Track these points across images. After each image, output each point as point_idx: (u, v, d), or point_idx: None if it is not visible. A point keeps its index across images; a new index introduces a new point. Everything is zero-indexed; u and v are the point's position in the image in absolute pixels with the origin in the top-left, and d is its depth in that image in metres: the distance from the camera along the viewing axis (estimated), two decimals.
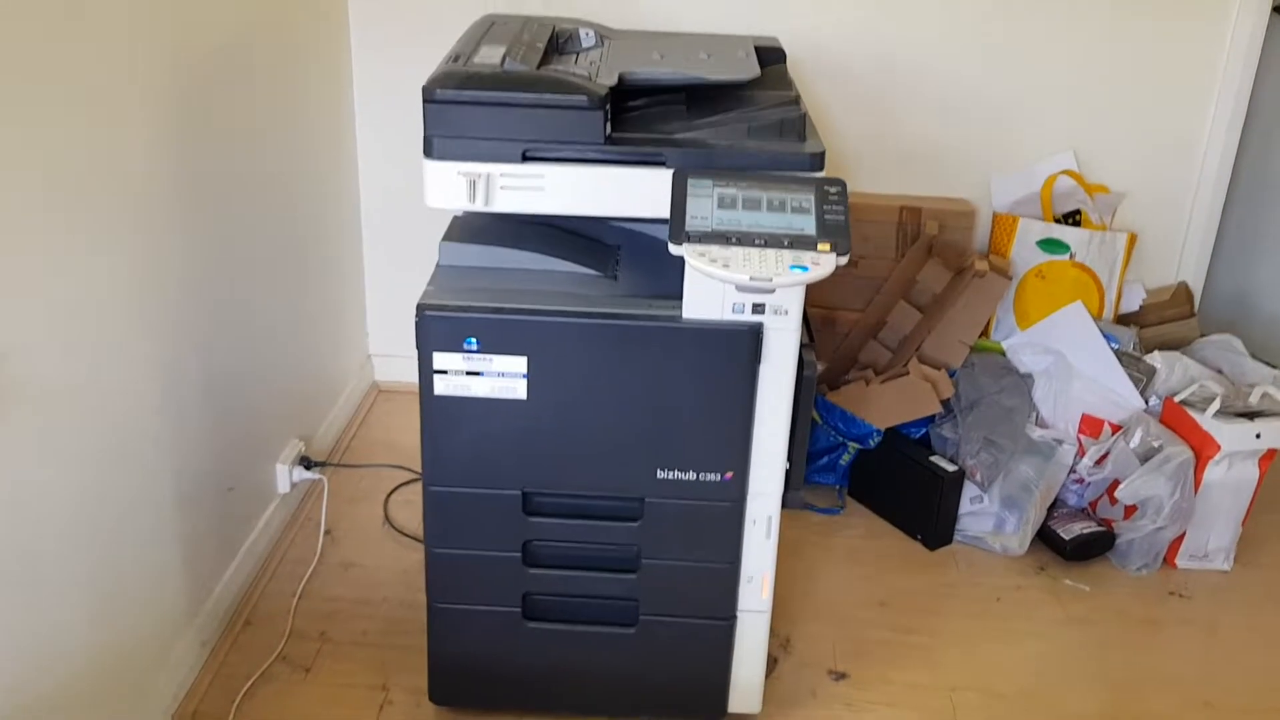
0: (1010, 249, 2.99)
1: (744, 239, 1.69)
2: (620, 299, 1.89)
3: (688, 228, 1.70)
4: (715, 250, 1.68)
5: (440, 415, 1.90)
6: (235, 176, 2.37)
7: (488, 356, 1.85)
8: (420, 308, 1.84)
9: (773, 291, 1.75)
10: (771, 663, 2.28)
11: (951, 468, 2.72)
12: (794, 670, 2.34)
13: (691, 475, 1.93)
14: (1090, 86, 3.00)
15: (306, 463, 2.76)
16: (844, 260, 1.70)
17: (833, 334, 3.03)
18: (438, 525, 2.00)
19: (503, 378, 1.86)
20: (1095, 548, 2.71)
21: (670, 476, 1.93)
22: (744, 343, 1.84)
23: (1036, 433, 2.77)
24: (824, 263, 1.67)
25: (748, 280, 1.64)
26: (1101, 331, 2.87)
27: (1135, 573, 2.69)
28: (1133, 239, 3.03)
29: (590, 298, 1.89)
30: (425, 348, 1.86)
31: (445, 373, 1.86)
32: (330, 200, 3.01)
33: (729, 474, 1.93)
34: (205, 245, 2.25)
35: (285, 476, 2.69)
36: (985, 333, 2.98)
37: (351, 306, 3.20)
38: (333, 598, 2.50)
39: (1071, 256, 2.96)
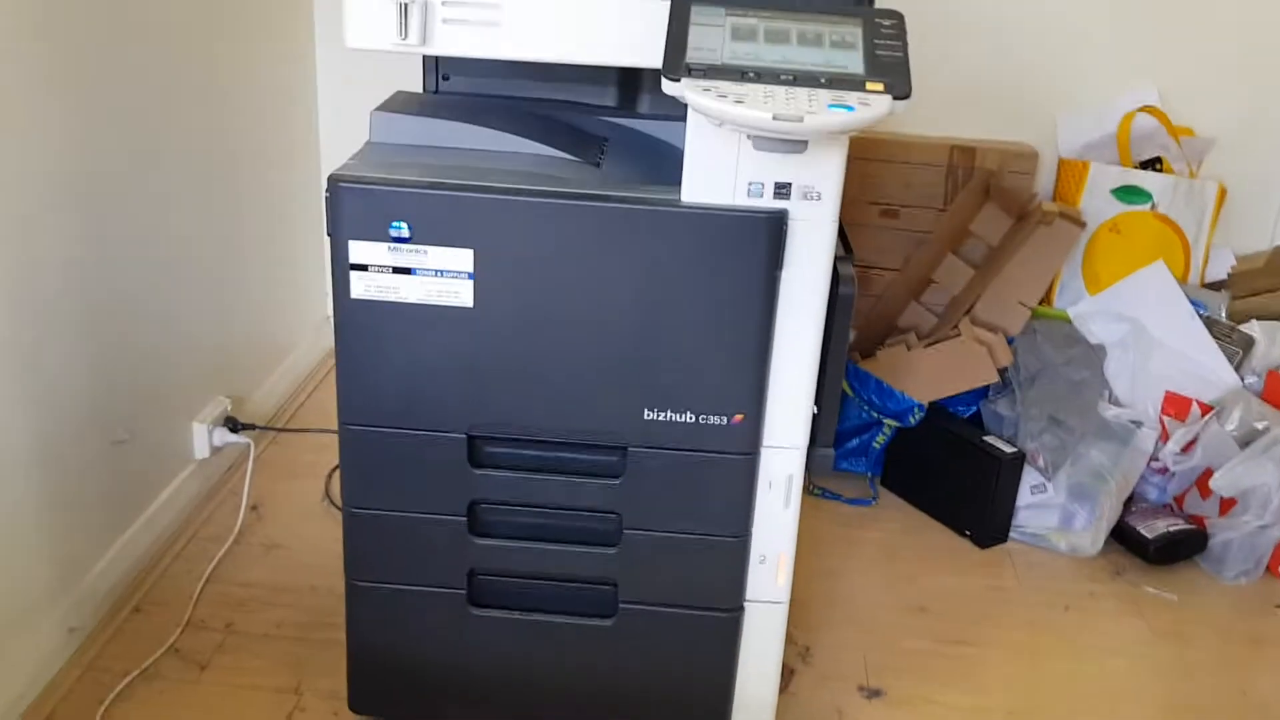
0: (1079, 199, 2.52)
1: (766, 75, 1.24)
2: (602, 185, 1.44)
3: (689, 59, 1.25)
4: (726, 85, 1.22)
5: (359, 327, 1.45)
6: (163, 79, 1.94)
7: (422, 248, 1.40)
8: (333, 180, 1.39)
9: (802, 150, 1.29)
10: (787, 674, 1.80)
11: (1010, 450, 2.24)
12: (815, 685, 1.86)
13: (689, 417, 1.47)
14: (1178, 9, 2.55)
15: (233, 424, 2.30)
16: (902, 105, 1.24)
17: (866, 296, 2.57)
18: (357, 477, 1.54)
19: (442, 278, 1.41)
20: (1184, 549, 2.23)
21: (661, 418, 1.47)
22: (761, 236, 1.38)
23: (1110, 412, 2.30)
24: (876, 104, 1.22)
25: (769, 119, 1.19)
26: (1187, 297, 2.41)
27: (1232, 580, 2.21)
28: (1223, 192, 2.56)
29: (563, 180, 1.44)
30: (339, 234, 1.41)
31: (365, 269, 1.41)
32: (286, 150, 2.58)
33: (738, 416, 1.47)
34: (102, 142, 1.82)
35: (204, 438, 2.23)
36: (1047, 298, 2.52)
37: (310, 262, 2.75)
38: (247, 582, 2.04)
39: (1153, 207, 2.50)
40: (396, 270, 1.41)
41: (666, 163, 1.56)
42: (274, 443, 2.48)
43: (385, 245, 1.40)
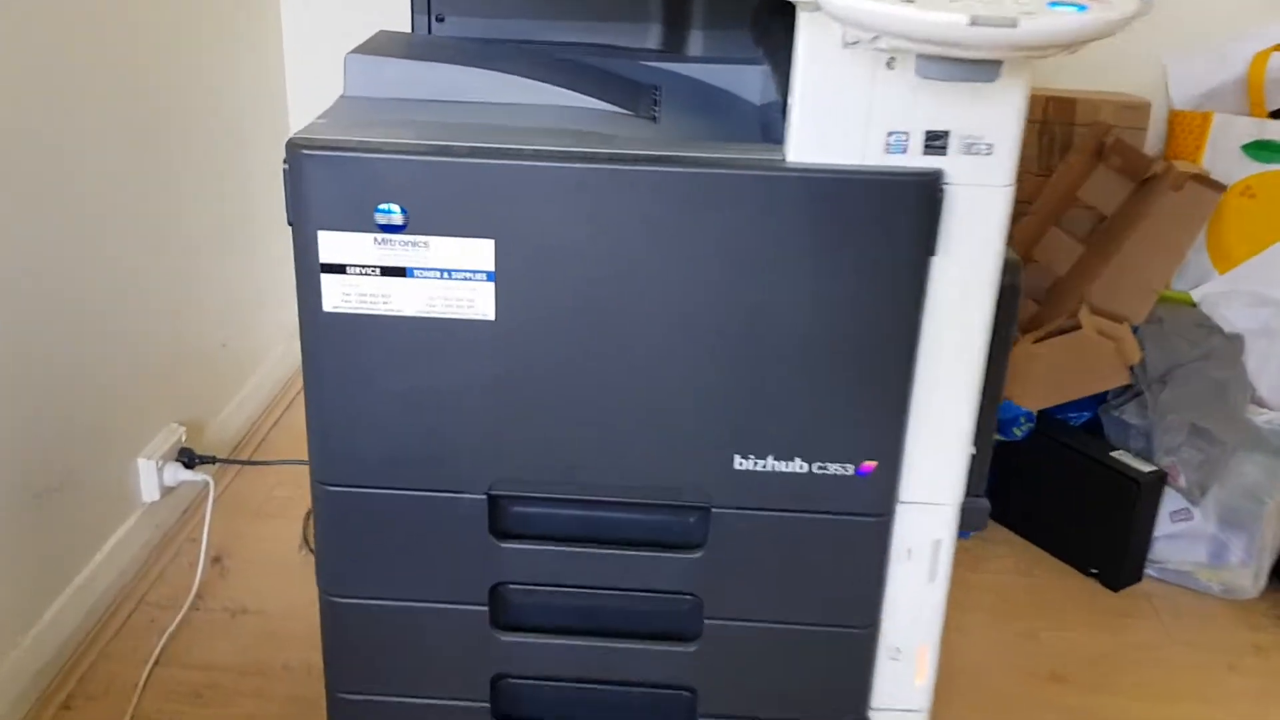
0: (1200, 157, 2.10)
1: None
2: (667, 144, 1.01)
3: None
4: None
5: (334, 352, 1.03)
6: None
7: (422, 239, 0.98)
8: (294, 147, 0.97)
9: (993, 76, 0.86)
10: None
11: (1148, 469, 1.83)
12: None
13: (798, 466, 1.05)
14: None
15: (188, 458, 1.88)
16: (1147, 7, 0.82)
17: None
18: (338, 555, 1.12)
19: (451, 280, 0.99)
20: None
21: (759, 467, 1.05)
22: (907, 208, 0.96)
23: (1263, 417, 1.88)
24: (1119, 2, 0.79)
25: (964, 26, 0.76)
26: None
27: None
28: None
29: (614, 140, 1.02)
30: (303, 222, 0.98)
31: (342, 270, 0.99)
32: (247, 116, 2.15)
33: (868, 464, 1.05)
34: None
35: (152, 477, 1.80)
36: None
37: (279, 258, 2.30)
38: (207, 663, 1.62)
39: None
40: (386, 271, 0.99)
41: (735, 116, 1.15)
42: (240, 477, 2.05)
43: (370, 237, 0.98)
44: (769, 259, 0.98)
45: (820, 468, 1.05)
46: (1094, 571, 1.88)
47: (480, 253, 0.98)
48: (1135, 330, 1.94)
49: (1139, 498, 1.81)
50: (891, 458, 1.05)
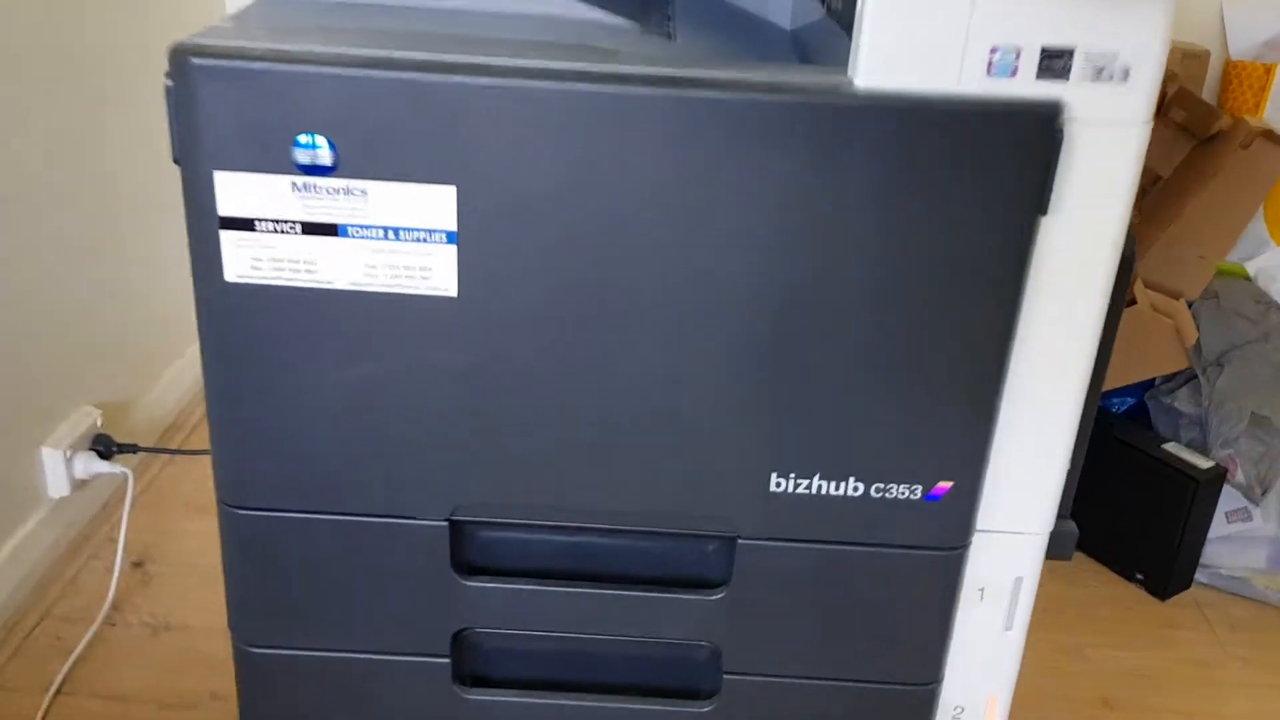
0: (1261, 112, 1.87)
1: None
2: (689, 65, 0.76)
3: None
4: None
5: (241, 336, 0.77)
6: None
7: (357, 185, 0.72)
8: (180, 56, 0.71)
9: None
10: None
11: (1205, 464, 1.60)
12: None
13: (852, 487, 0.81)
14: None
15: (104, 446, 1.62)
16: None
17: None
18: (254, 596, 0.87)
19: (397, 242, 0.74)
20: None
21: (800, 489, 0.81)
22: (1015, 149, 0.72)
23: None
24: None
25: None
26: None
27: None
28: None
29: (619, 55, 0.76)
30: (195, 160, 0.73)
31: (249, 226, 0.73)
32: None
33: (942, 485, 0.81)
34: None
35: (60, 468, 1.54)
36: None
37: None
38: (120, 692, 1.37)
39: None
40: (310, 229, 0.73)
41: (765, 40, 0.91)
42: (167, 469, 1.79)
43: (287, 181, 0.72)
44: (825, 218, 0.73)
45: (881, 490, 0.81)
46: (1139, 577, 1.66)
47: (438, 204, 0.73)
48: (1190, 306, 1.72)
49: (1195, 497, 1.59)
50: (972, 476, 0.81)
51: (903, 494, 0.81)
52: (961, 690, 0.91)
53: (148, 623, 1.48)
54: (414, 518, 0.83)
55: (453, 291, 0.75)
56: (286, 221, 0.73)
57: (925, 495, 0.81)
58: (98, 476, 1.61)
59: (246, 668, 0.89)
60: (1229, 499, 1.64)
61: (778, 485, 0.81)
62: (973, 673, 0.90)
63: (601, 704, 0.90)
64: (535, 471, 0.81)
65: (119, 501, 1.62)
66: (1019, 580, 0.87)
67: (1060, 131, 0.71)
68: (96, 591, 1.51)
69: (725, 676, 0.89)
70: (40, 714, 1.32)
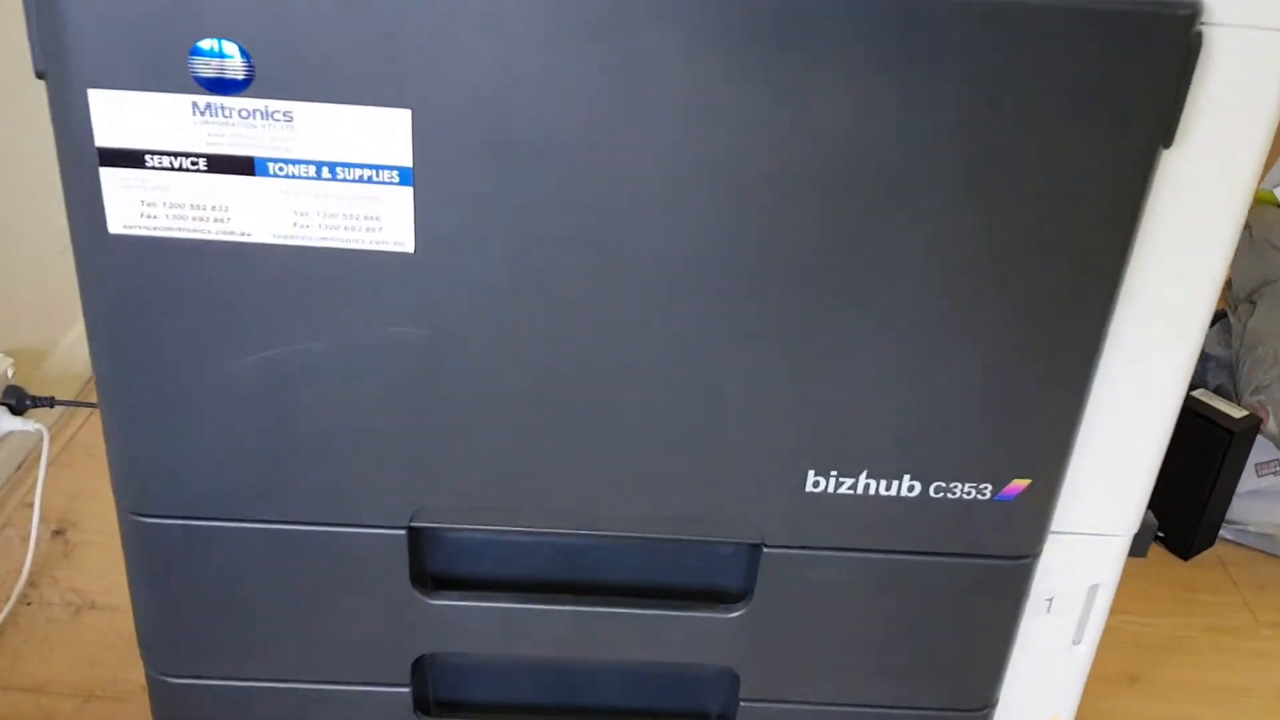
0: None
1: None
2: None
3: None
4: None
5: (134, 303, 0.60)
6: None
7: (280, 107, 0.54)
8: None
9: None
10: None
11: (1239, 414, 1.47)
12: None
13: (907, 486, 0.65)
14: None
15: (17, 400, 1.43)
16: None
17: None
18: (168, 618, 0.71)
19: (335, 183, 0.56)
20: None
21: (843, 489, 0.65)
22: (1139, 65, 0.55)
23: None
24: None
25: None
26: None
27: None
28: None
29: None
30: (64, 74, 0.54)
31: (138, 160, 0.56)
32: None
33: (1017, 484, 0.66)
34: None
35: None
36: None
37: None
38: (35, 682, 1.21)
39: None
40: (218, 164, 0.56)
41: None
42: (88, 425, 1.61)
43: (186, 101, 0.54)
44: (887, 152, 0.57)
45: (942, 490, 0.65)
46: (1160, 535, 1.54)
47: (388, 133, 0.55)
48: None
49: (1228, 449, 1.46)
50: (1054, 471, 0.66)
51: (968, 494, 0.66)
52: (1018, 711, 0.77)
53: (70, 601, 1.31)
54: (364, 525, 0.66)
55: (408, 246, 0.58)
56: (186, 155, 0.56)
57: (996, 495, 0.66)
58: (9, 434, 1.43)
59: (163, 701, 0.73)
60: (1260, 450, 1.51)
61: (816, 485, 0.65)
62: (1032, 692, 0.76)
63: None
64: (512, 470, 0.65)
65: (34, 462, 1.44)
66: (1094, 588, 0.72)
67: (1198, 38, 0.55)
68: (10, 565, 1.34)
69: (742, 704, 0.74)
70: None
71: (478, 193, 0.57)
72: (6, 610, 1.28)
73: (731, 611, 0.70)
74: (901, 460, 0.64)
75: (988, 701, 0.75)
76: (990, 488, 0.65)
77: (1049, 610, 0.73)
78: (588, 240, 0.58)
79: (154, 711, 0.74)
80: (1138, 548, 0.76)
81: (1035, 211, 0.58)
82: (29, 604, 1.30)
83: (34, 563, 1.33)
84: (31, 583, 1.32)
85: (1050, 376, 0.62)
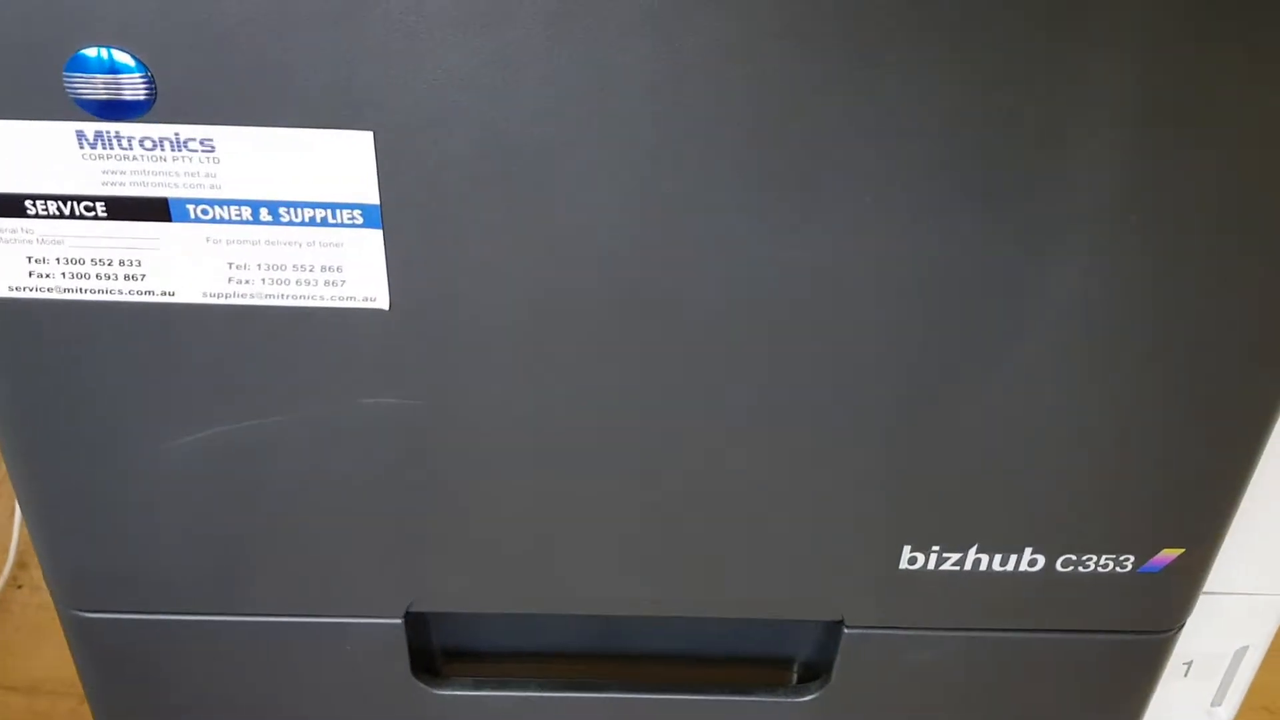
0: None
1: None
2: None
3: None
4: None
5: (40, 378, 0.47)
6: None
7: (195, 134, 0.40)
8: None
9: None
10: None
11: None
12: None
13: (1026, 563, 0.52)
14: None
15: None
16: None
17: None
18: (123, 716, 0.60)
19: (278, 227, 0.42)
20: None
21: (946, 564, 0.52)
22: None
23: None
24: None
25: None
26: None
27: None
28: None
29: None
30: None
31: (18, 209, 0.42)
32: None
33: (1167, 555, 0.52)
34: None
35: None
36: None
37: None
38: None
39: None
40: (118, 208, 0.42)
41: None
42: None
43: (68, 130, 0.40)
44: (1014, 139, 0.42)
45: (1072, 564, 0.52)
46: None
47: (344, 162, 0.41)
48: None
49: None
50: (1210, 539, 0.53)
51: (1105, 567, 0.52)
52: None
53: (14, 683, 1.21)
54: (350, 616, 0.54)
55: (381, 301, 0.44)
56: (79, 199, 0.41)
57: (1139, 568, 0.52)
58: None
59: None
60: None
61: (912, 562, 0.52)
62: None
63: None
64: (525, 558, 0.52)
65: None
66: (1242, 651, 0.60)
67: None
68: None
69: None
70: None
71: (465, 230, 0.42)
72: None
73: (804, 695, 0.58)
74: (1024, 532, 0.51)
75: None
76: (1132, 560, 0.52)
77: (1187, 675, 0.60)
78: (613, 278, 0.44)
79: None
80: None
81: (1210, 219, 0.43)
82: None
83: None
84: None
85: (1217, 433, 0.48)
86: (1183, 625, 0.56)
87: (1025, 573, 0.52)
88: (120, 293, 0.43)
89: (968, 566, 0.52)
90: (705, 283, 0.44)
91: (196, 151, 0.40)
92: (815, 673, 0.58)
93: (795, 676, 0.58)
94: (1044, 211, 0.42)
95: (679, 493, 0.50)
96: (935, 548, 0.51)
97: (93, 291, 0.43)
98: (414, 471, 0.49)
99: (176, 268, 0.43)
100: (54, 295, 0.44)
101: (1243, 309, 0.45)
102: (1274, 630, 0.59)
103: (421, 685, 0.57)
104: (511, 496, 0.50)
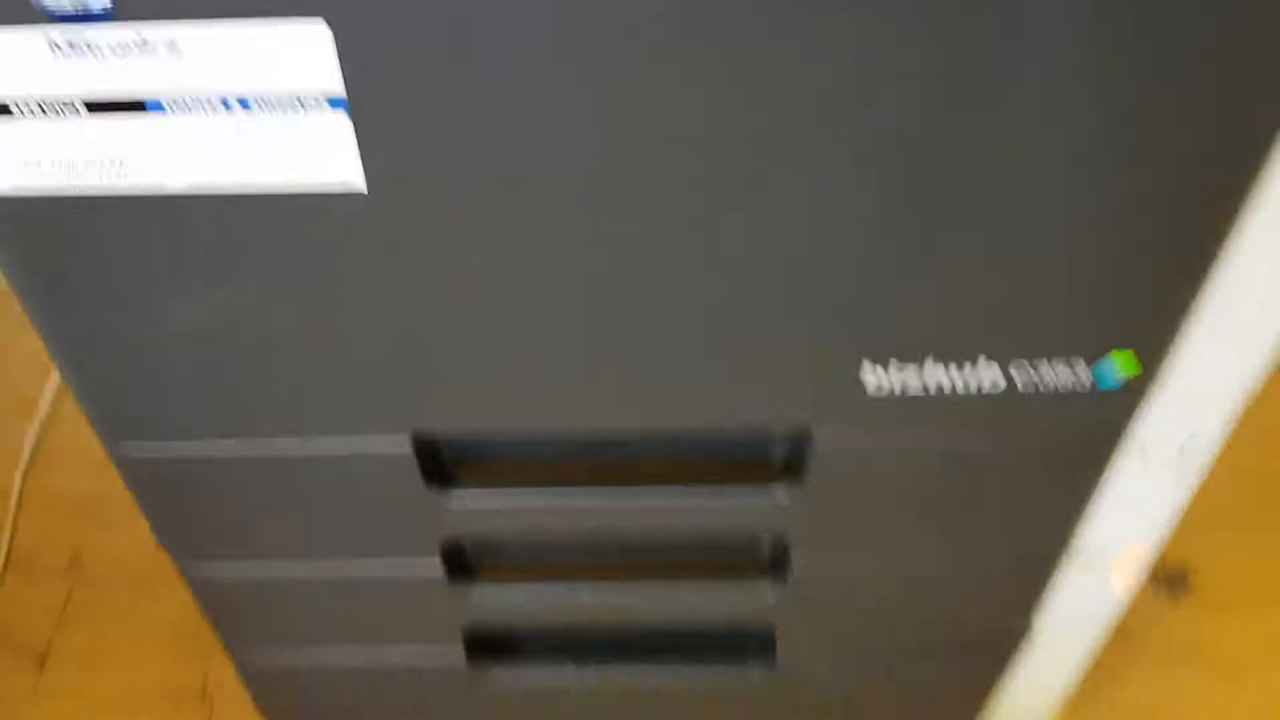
0: None
1: None
2: None
3: None
4: None
5: (54, 269, 0.50)
6: None
7: (151, 33, 0.41)
8: None
9: None
10: None
11: None
12: None
13: (984, 368, 0.56)
14: None
15: None
16: None
17: None
18: (174, 525, 0.67)
19: (248, 111, 0.44)
20: None
21: (904, 374, 0.56)
22: None
23: None
24: None
25: None
26: None
27: None
28: None
29: None
30: None
31: (7, 111, 0.44)
32: None
33: (1117, 359, 0.56)
34: None
35: None
36: None
37: None
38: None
39: None
40: (96, 108, 0.44)
41: None
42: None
43: (39, 36, 0.42)
44: None
45: (1025, 369, 0.56)
46: None
47: (304, 52, 0.42)
48: None
49: None
50: (1163, 341, 0.56)
51: (1057, 376, 0.56)
52: (1095, 538, 0.71)
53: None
54: (362, 433, 0.59)
55: (359, 186, 0.46)
56: (58, 100, 0.43)
57: (1093, 388, 0.56)
58: None
59: (199, 586, 0.70)
60: None
61: (871, 372, 0.56)
62: (1114, 522, 0.70)
63: (638, 587, 0.72)
64: (515, 390, 0.56)
65: None
66: (1195, 434, 0.64)
67: None
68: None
69: (798, 567, 0.69)
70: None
71: (438, 107, 0.44)
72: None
73: (778, 484, 0.64)
74: (974, 340, 0.54)
75: (1059, 548, 0.69)
76: (1083, 361, 0.56)
77: (1142, 455, 0.65)
78: (579, 127, 0.46)
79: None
80: None
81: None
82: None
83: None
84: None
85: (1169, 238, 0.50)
86: (1130, 424, 0.60)
87: (980, 382, 0.56)
88: (114, 187, 0.46)
89: (925, 376, 0.56)
90: (670, 105, 0.44)
91: (162, 52, 0.42)
92: (792, 474, 0.63)
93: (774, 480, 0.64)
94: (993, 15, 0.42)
95: (651, 315, 0.53)
96: (892, 358, 0.55)
97: (87, 187, 0.46)
98: (396, 336, 0.53)
99: (158, 160, 0.45)
100: (51, 193, 0.46)
101: (1192, 110, 0.45)
102: (1233, 414, 0.63)
103: (433, 493, 0.63)
104: (500, 327, 0.54)
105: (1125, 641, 1.08)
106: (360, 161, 0.45)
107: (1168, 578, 1.12)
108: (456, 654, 0.77)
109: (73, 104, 0.44)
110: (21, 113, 0.44)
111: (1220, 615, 1.09)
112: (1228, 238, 0.50)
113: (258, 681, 0.81)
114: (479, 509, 0.64)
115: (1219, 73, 0.43)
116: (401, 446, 0.60)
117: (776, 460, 0.63)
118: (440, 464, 0.63)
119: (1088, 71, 0.43)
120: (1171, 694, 1.04)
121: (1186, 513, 0.69)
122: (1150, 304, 0.54)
